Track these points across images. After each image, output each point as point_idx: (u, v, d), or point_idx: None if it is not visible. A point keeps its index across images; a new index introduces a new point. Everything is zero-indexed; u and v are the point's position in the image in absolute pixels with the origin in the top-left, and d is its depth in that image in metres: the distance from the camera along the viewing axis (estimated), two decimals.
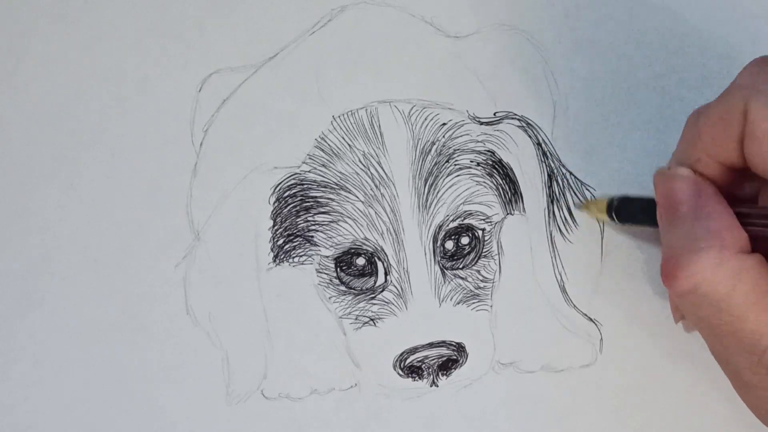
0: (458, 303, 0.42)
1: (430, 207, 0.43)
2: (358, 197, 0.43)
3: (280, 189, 0.43)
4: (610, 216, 0.41)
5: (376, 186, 0.43)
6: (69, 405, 0.42)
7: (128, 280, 0.43)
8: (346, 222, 0.42)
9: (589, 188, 0.43)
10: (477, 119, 0.44)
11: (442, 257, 0.43)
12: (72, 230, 0.43)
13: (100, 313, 0.43)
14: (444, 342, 0.42)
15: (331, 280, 0.43)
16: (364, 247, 0.42)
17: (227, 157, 0.43)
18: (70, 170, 0.44)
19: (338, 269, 0.43)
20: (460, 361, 0.42)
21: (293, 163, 0.43)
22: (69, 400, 0.42)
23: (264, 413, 0.42)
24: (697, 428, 0.42)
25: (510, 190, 0.43)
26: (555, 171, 0.43)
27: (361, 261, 0.43)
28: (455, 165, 0.43)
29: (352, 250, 0.43)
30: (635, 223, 0.41)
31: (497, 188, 0.43)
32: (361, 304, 0.42)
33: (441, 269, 0.43)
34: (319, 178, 0.43)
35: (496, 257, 0.43)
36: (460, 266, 0.43)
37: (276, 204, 0.43)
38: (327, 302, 0.43)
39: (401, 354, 0.42)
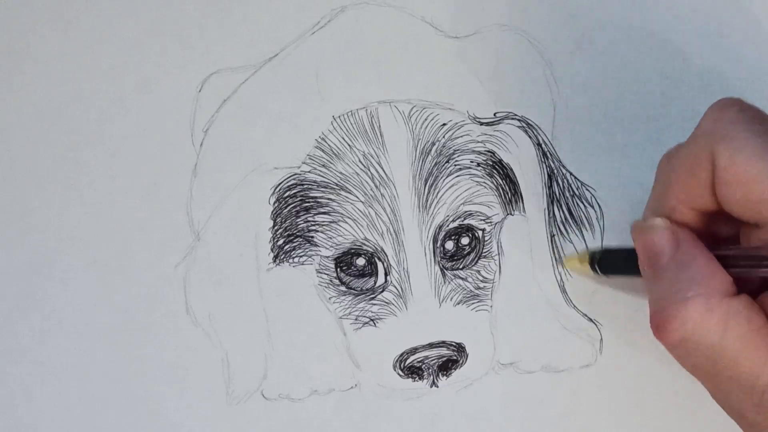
0: (458, 303, 0.42)
1: (430, 207, 0.43)
2: (358, 197, 0.43)
3: (280, 189, 0.43)
4: (593, 269, 0.41)
5: (376, 186, 0.43)
6: (69, 405, 0.42)
7: (128, 280, 0.43)
8: (346, 222, 0.42)
9: (589, 189, 0.43)
10: (477, 120, 0.44)
11: (442, 257, 0.43)
12: (72, 230, 0.43)
13: (100, 313, 0.43)
14: (444, 342, 0.42)
15: (331, 281, 0.43)
16: (364, 247, 0.42)
17: (227, 158, 0.43)
18: (70, 170, 0.44)
19: (338, 269, 0.43)
20: (460, 362, 0.42)
21: (293, 163, 0.43)
22: (69, 401, 0.42)
23: (264, 414, 0.42)
24: (696, 428, 0.42)
25: (510, 191, 0.43)
26: (555, 171, 0.43)
27: (361, 261, 0.43)
28: (455, 165, 0.43)
29: (352, 251, 0.43)
30: (619, 274, 0.40)
31: (497, 189, 0.43)
32: (361, 305, 0.43)
33: (441, 269, 0.43)
34: (319, 179, 0.43)
35: (496, 257, 0.43)
36: (460, 266, 0.43)
37: (276, 204, 0.43)
38: (327, 302, 0.43)
39: (401, 354, 0.42)
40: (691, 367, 0.35)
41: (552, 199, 0.43)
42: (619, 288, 0.42)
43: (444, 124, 0.43)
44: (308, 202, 0.43)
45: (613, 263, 0.40)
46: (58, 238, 0.43)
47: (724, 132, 0.33)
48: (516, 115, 0.44)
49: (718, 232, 0.37)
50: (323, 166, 0.43)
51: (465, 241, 0.43)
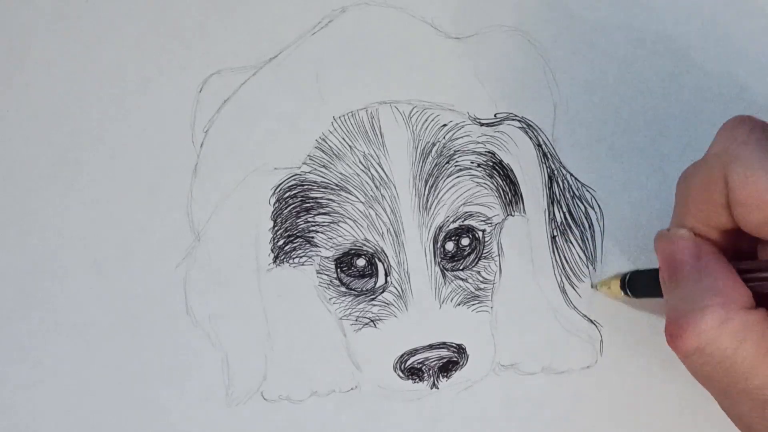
0: (459, 304, 0.42)
1: (430, 208, 0.42)
2: (358, 198, 0.43)
3: (280, 190, 0.43)
4: (625, 291, 0.41)
5: (377, 187, 0.43)
6: (69, 406, 0.42)
7: (128, 281, 0.43)
8: (347, 223, 0.42)
9: (589, 189, 0.43)
10: (477, 120, 0.44)
11: (442, 258, 0.43)
12: (72, 230, 0.43)
13: (100, 314, 0.43)
14: (444, 343, 0.42)
15: (331, 281, 0.43)
16: (365, 248, 0.42)
17: (228, 158, 0.43)
18: (71, 170, 0.44)
19: (338, 270, 0.43)
20: (461, 363, 0.42)
21: (294, 163, 0.43)
22: (69, 401, 0.42)
23: (264, 415, 0.42)
24: (697, 429, 0.42)
25: (510, 192, 0.43)
26: (555, 172, 0.43)
27: (361, 262, 0.43)
28: (456, 166, 0.43)
29: (353, 251, 0.43)
30: (649, 296, 0.40)
31: (498, 189, 0.43)
32: (362, 305, 0.42)
33: (441, 270, 0.43)
34: (319, 179, 0.43)
35: (497, 258, 0.43)
36: (461, 267, 0.43)
37: (276, 205, 0.43)
38: (327, 303, 0.43)
39: (401, 356, 0.42)
40: (702, 377, 0.34)
41: (552, 199, 0.43)
42: (642, 308, 0.42)
43: (444, 125, 0.43)
44: (308, 202, 0.43)
45: (642, 284, 0.40)
46: (58, 238, 0.43)
47: (736, 153, 0.33)
48: (516, 115, 0.44)
49: (738, 247, 0.36)
50: (323, 166, 0.43)
51: (465, 241, 0.43)
